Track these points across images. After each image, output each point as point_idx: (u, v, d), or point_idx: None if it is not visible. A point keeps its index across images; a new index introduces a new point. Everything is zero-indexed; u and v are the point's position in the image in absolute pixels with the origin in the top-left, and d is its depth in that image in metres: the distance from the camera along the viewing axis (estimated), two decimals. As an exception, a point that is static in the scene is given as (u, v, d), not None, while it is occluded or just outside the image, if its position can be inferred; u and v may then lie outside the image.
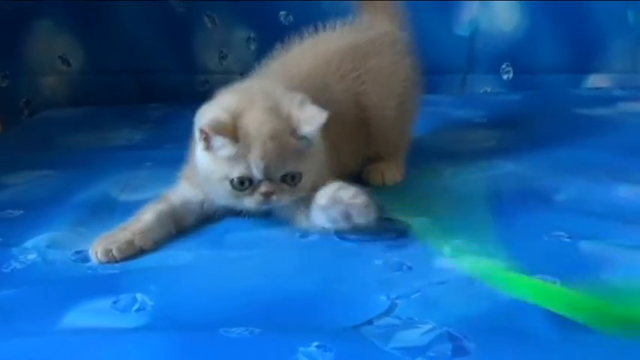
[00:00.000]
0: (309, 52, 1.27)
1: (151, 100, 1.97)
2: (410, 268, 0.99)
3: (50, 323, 0.90)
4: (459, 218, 1.13)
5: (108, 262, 1.04)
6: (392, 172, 1.29)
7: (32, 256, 1.08)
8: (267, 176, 1.04)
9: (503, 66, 1.92)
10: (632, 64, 1.88)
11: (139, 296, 0.94)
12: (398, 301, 0.90)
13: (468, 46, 1.90)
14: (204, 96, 1.93)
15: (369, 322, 0.86)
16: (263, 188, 1.05)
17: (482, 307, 0.88)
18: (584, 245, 1.02)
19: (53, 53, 2.01)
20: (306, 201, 1.08)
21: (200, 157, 1.08)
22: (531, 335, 0.83)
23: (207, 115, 1.07)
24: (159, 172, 1.39)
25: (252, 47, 1.94)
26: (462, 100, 1.83)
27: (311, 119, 1.05)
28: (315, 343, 0.81)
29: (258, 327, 0.86)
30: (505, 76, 1.92)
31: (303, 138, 1.05)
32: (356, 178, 1.26)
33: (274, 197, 1.06)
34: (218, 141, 1.04)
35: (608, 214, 1.11)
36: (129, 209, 1.22)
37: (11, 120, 1.97)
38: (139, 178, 1.37)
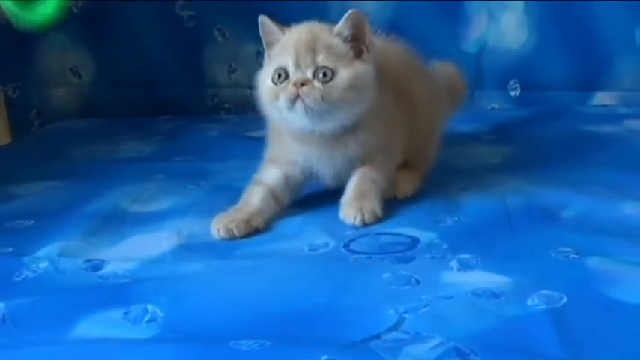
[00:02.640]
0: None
1: (161, 112, 1.99)
2: (418, 281, 0.99)
3: (62, 333, 0.91)
4: (466, 233, 1.14)
5: (228, 239, 1.14)
6: (404, 186, 1.29)
7: (44, 265, 1.09)
8: (299, 65, 1.13)
9: (511, 82, 1.93)
10: (639, 82, 1.88)
11: (149, 307, 0.95)
12: (406, 315, 0.91)
13: (476, 62, 1.91)
14: (213, 109, 1.96)
15: (377, 337, 0.87)
16: (294, 78, 1.12)
17: (490, 323, 0.88)
18: (591, 261, 1.02)
19: (64, 65, 2.03)
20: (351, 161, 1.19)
21: (261, 73, 1.19)
22: (539, 352, 0.83)
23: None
24: (169, 184, 1.41)
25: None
26: (470, 115, 1.84)
27: (343, 18, 1.14)
28: (325, 357, 0.82)
29: (268, 339, 0.86)
30: (512, 93, 1.93)
31: (338, 35, 1.14)
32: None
33: (304, 88, 1.11)
34: (271, 33, 1.17)
35: (614, 231, 1.12)
36: (140, 220, 1.24)
37: (22, 131, 1.99)
38: (149, 190, 1.38)
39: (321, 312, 0.93)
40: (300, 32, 1.16)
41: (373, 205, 1.18)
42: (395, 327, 0.88)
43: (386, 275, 1.01)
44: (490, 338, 0.85)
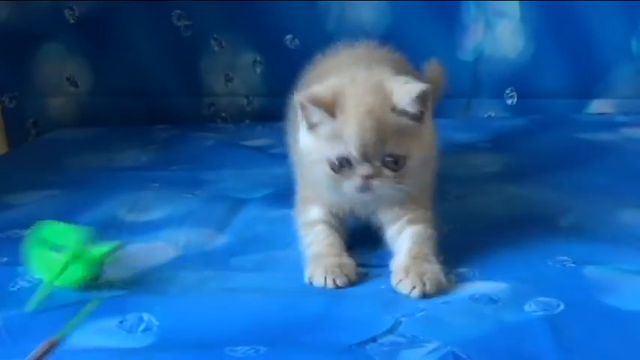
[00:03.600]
0: (357, 57, 1.21)
1: (157, 121, 1.99)
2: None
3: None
4: (463, 242, 1.13)
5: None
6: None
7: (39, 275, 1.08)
8: (366, 157, 0.98)
9: (508, 91, 1.93)
10: (636, 90, 1.89)
11: (145, 316, 0.95)
12: (402, 319, 0.90)
13: (473, 71, 1.91)
14: (210, 118, 1.96)
15: (373, 340, 0.86)
16: (363, 170, 0.98)
17: (486, 328, 0.88)
18: (588, 269, 1.02)
19: (61, 75, 2.03)
20: (403, 217, 1.05)
21: (303, 138, 1.04)
22: (535, 358, 0.83)
23: (308, 89, 1.04)
24: (165, 193, 1.41)
25: (258, 70, 1.96)
26: (467, 124, 1.84)
27: (408, 91, 0.99)
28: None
29: (263, 346, 0.86)
30: (509, 101, 1.93)
31: (404, 113, 0.99)
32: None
33: (376, 181, 0.99)
34: (315, 114, 1.00)
35: (612, 239, 1.12)
36: (136, 229, 1.24)
37: (19, 141, 1.99)
38: (145, 199, 1.38)
39: (317, 318, 0.93)
40: (361, 118, 0.98)
41: (435, 272, 0.99)
42: (391, 330, 0.88)
43: (382, 286, 1.01)
44: (487, 343, 0.85)
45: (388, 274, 1.03)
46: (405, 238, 1.05)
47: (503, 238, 1.14)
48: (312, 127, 1.02)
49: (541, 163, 1.51)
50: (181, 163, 1.63)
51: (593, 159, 1.51)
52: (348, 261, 1.04)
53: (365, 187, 0.99)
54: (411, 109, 0.99)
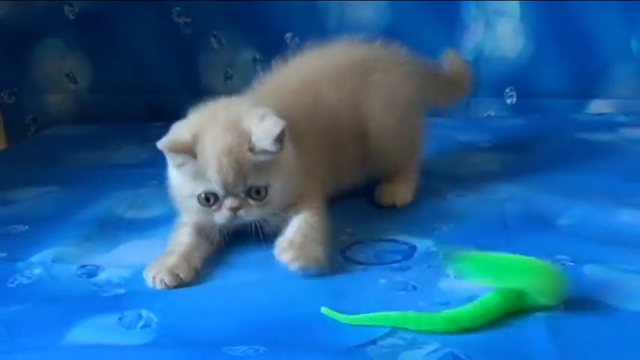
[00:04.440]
0: (306, 65, 1.30)
1: (156, 118, 1.97)
2: (414, 287, 0.99)
3: (56, 338, 0.90)
4: (462, 241, 1.13)
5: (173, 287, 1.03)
6: (402, 193, 1.29)
7: (38, 271, 1.09)
8: (230, 191, 1.05)
9: (507, 90, 1.93)
10: (635, 91, 1.89)
11: (144, 313, 0.95)
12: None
13: (473, 70, 1.91)
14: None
15: (373, 342, 0.86)
16: (228, 203, 1.05)
17: (486, 329, 0.88)
18: (588, 269, 1.02)
19: (60, 71, 2.03)
20: (280, 218, 1.09)
21: (172, 175, 1.10)
22: (535, 358, 0.82)
23: (170, 134, 1.09)
24: (164, 190, 1.39)
25: (258, 68, 1.95)
26: (466, 123, 1.84)
27: (266, 132, 1.05)
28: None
29: (262, 346, 0.86)
30: (509, 101, 1.93)
31: (262, 152, 1.05)
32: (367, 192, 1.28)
33: (241, 212, 1.06)
34: (178, 158, 1.06)
35: (610, 239, 1.12)
36: (135, 227, 1.24)
37: (17, 137, 1.99)
38: (144, 196, 1.38)
39: (316, 318, 0.92)
40: (220, 159, 1.03)
41: (316, 249, 1.05)
42: (390, 333, 0.88)
43: (382, 281, 1.01)
44: (486, 344, 0.85)
45: (388, 272, 1.03)
46: (292, 222, 1.09)
47: (503, 237, 1.14)
48: (178, 166, 1.07)
49: (540, 162, 1.51)
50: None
51: (592, 159, 1.51)
52: (186, 262, 1.05)
53: (233, 218, 1.06)
54: (270, 148, 1.05)
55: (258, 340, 0.87)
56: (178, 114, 2.03)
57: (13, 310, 0.98)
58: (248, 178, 1.05)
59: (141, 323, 0.93)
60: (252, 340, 0.87)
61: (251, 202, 1.06)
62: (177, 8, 1.97)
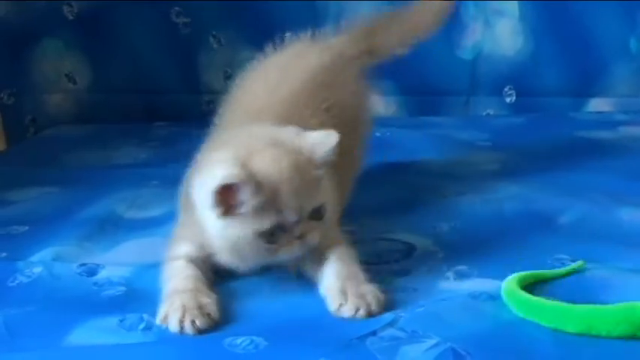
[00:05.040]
0: (268, 85, 1.22)
1: (156, 118, 1.98)
2: (415, 289, 0.99)
3: (57, 339, 0.90)
4: (462, 240, 1.13)
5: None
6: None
7: (38, 270, 1.08)
8: (303, 216, 0.94)
9: (506, 89, 1.93)
10: (634, 89, 1.89)
11: (145, 316, 0.94)
12: (402, 314, 0.91)
13: (471, 69, 1.92)
14: (209, 115, 1.94)
15: (373, 334, 0.87)
16: (298, 231, 0.94)
17: (486, 325, 0.89)
18: (587, 268, 1.02)
19: (59, 71, 2.02)
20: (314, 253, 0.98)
21: (216, 227, 0.95)
22: (535, 354, 0.83)
23: (211, 177, 0.92)
24: (164, 190, 1.40)
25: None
26: (465, 122, 1.84)
27: (324, 145, 0.96)
28: (322, 359, 0.82)
29: (263, 339, 0.86)
30: (508, 99, 1.94)
31: (320, 165, 0.96)
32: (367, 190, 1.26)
33: (309, 237, 0.95)
34: (241, 196, 0.91)
35: (610, 238, 1.12)
36: (135, 226, 1.24)
37: (17, 137, 1.98)
38: (144, 196, 1.38)
39: (316, 311, 0.93)
40: (290, 180, 0.93)
41: (373, 290, 0.95)
42: (391, 324, 0.89)
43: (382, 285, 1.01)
44: (486, 340, 0.86)
45: (387, 271, 1.03)
46: (329, 262, 0.98)
47: (502, 236, 1.14)
48: (227, 211, 0.92)
49: (539, 161, 1.51)
50: (180, 160, 1.62)
51: (592, 157, 1.51)
52: (207, 298, 0.94)
53: (303, 247, 0.95)
54: (328, 160, 0.96)
55: (258, 335, 0.87)
56: (178, 113, 2.04)
57: (13, 310, 0.97)
58: (315, 197, 0.95)
59: (142, 325, 0.93)
60: (252, 334, 0.88)
61: (313, 224, 0.95)
62: (176, 8, 1.97)
